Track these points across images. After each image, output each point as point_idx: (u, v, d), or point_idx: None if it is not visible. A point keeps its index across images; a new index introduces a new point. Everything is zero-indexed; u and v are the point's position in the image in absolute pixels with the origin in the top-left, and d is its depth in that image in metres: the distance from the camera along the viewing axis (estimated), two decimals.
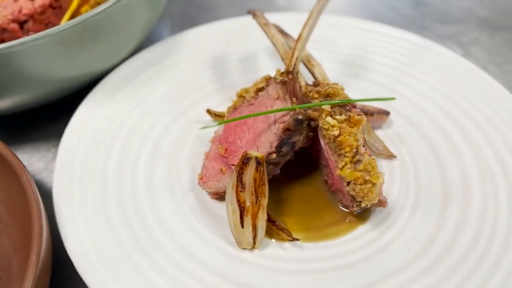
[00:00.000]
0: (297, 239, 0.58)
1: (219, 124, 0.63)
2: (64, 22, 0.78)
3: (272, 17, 0.75)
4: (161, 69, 0.77)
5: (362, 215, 0.61)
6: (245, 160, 0.56)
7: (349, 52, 0.81)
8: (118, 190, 0.61)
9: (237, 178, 0.57)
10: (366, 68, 0.79)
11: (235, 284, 0.54)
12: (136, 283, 0.52)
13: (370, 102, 0.71)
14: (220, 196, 0.62)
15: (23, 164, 0.54)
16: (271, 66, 0.80)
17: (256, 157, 0.56)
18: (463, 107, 0.72)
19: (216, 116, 0.71)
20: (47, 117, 0.77)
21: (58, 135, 0.75)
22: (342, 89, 0.62)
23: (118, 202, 0.60)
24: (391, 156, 0.67)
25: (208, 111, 0.72)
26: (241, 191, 0.57)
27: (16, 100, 0.69)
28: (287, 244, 0.58)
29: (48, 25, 0.81)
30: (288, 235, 0.58)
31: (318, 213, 0.62)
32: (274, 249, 0.58)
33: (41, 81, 0.68)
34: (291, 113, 0.57)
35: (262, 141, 0.60)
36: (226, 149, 0.63)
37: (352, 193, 0.56)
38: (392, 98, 0.64)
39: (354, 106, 0.61)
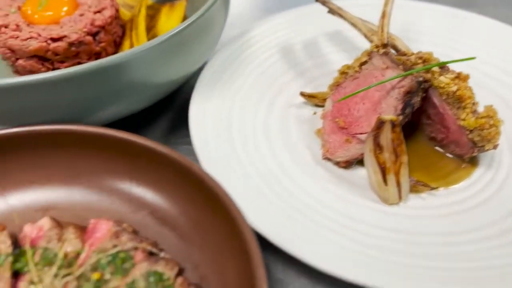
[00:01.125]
0: (435, 188, 0.64)
1: (343, 99, 0.68)
2: (142, 31, 0.80)
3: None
4: (240, 65, 0.80)
5: (473, 161, 0.69)
6: (379, 125, 0.62)
7: (398, 28, 0.89)
8: (259, 174, 0.64)
9: (374, 142, 0.62)
10: (418, 41, 0.87)
11: (394, 231, 0.59)
12: (322, 243, 0.56)
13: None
14: (349, 163, 0.67)
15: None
16: (334, 50, 0.87)
17: (391, 120, 0.62)
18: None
19: (310, 97, 0.76)
20: (135, 125, 0.79)
21: (159, 139, 0.77)
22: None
23: (267, 185, 0.63)
24: None
25: (302, 94, 0.77)
26: (379, 153, 0.62)
27: (118, 109, 0.70)
28: (423, 195, 0.65)
29: (114, 34, 0.82)
30: (426, 186, 0.64)
31: (436, 165, 0.69)
32: (415, 200, 0.64)
33: (147, 87, 0.69)
34: (411, 77, 0.64)
35: (384, 107, 0.66)
36: (344, 122, 0.68)
37: (476, 139, 0.63)
38: (473, 58, 0.73)
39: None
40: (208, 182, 0.55)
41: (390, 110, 0.65)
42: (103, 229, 0.57)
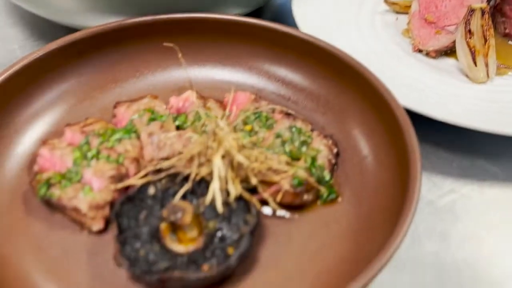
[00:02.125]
0: None
1: None
2: None
3: None
4: None
5: None
6: (470, 12, 0.71)
7: None
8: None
9: (465, 28, 0.72)
10: None
11: (485, 101, 0.69)
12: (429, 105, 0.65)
13: None
14: (438, 52, 0.77)
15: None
16: None
17: (481, 8, 0.71)
18: None
19: (392, 4, 0.85)
20: None
21: None
22: None
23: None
24: None
25: (385, 1, 0.86)
26: (470, 38, 0.72)
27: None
28: (505, 76, 0.74)
29: None
30: (509, 68, 0.74)
31: None
32: (498, 80, 0.74)
33: None
34: None
35: (470, 0, 0.75)
36: (433, 17, 0.78)
37: None
38: None
39: None
40: (335, 53, 0.64)
41: (476, 2, 0.74)
42: (242, 97, 0.66)
